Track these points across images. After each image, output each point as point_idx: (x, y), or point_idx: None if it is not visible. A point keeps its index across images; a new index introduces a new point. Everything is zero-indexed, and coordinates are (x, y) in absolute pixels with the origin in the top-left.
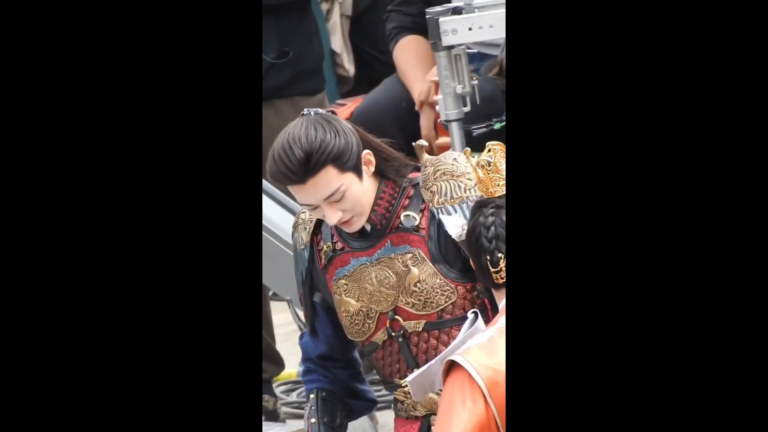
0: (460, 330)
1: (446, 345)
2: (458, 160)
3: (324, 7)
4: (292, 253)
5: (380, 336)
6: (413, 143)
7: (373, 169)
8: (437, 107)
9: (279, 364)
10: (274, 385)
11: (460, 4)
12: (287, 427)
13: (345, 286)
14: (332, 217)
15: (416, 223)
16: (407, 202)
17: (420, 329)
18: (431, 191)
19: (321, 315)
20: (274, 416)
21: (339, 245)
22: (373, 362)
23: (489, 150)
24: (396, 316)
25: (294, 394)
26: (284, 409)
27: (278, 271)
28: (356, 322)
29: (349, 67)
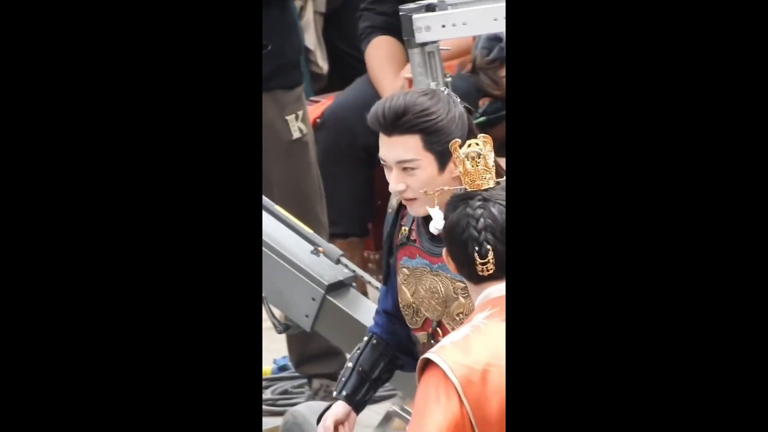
0: None
1: None
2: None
3: (298, 3)
4: (266, 251)
5: (422, 336)
6: (449, 145)
7: (456, 155)
8: None
9: None
10: None
11: (434, 1)
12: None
13: (406, 277)
14: (395, 183)
15: None
16: None
17: None
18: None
19: (393, 277)
20: None
21: (413, 236)
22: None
23: (477, 142)
24: (438, 328)
25: (268, 391)
26: None
27: None
28: (406, 313)
29: (322, 64)
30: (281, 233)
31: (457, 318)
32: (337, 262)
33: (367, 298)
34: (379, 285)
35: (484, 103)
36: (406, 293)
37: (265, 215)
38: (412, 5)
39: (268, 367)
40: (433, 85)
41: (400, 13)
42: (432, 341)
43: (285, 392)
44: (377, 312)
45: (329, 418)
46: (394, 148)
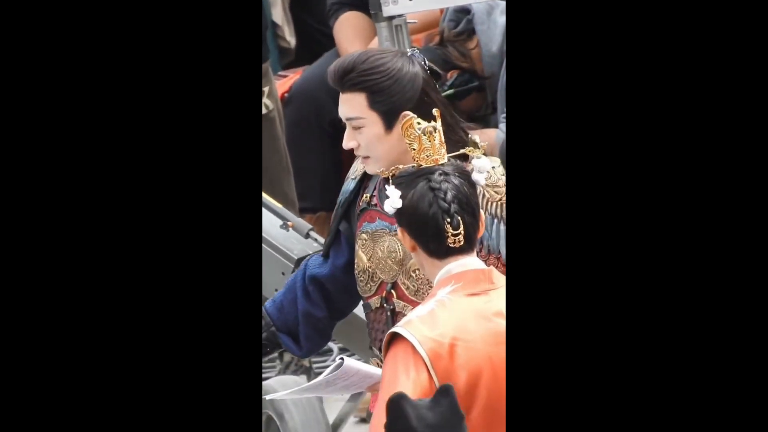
0: None
1: None
2: (495, 169)
3: None
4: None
5: (375, 301)
6: (468, 135)
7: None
8: None
9: None
10: None
11: None
12: None
13: (364, 242)
14: (346, 141)
15: None
16: None
17: (406, 312)
18: None
19: (343, 244)
20: None
21: (374, 201)
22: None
23: (433, 118)
24: (392, 290)
25: None
26: None
27: None
28: (361, 279)
29: (290, 39)
30: None
31: (413, 274)
32: (307, 236)
33: None
34: None
35: (452, 75)
36: (362, 258)
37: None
38: None
39: None
40: None
41: None
42: (385, 304)
43: None
44: (288, 282)
45: None
46: (343, 106)
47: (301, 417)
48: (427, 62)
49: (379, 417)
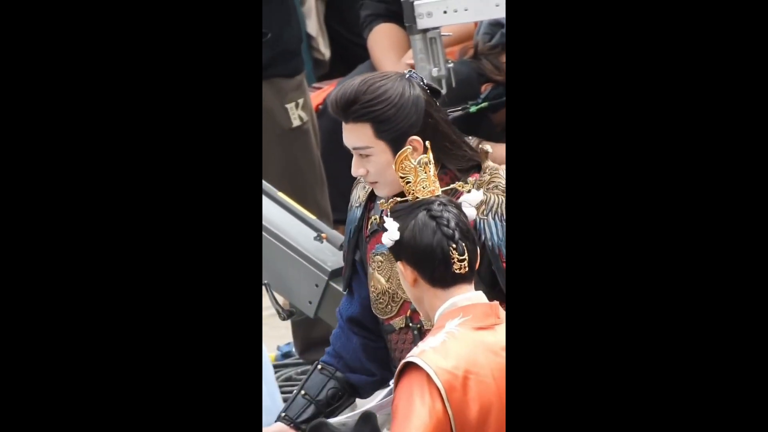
0: None
1: None
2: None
3: None
4: (269, 237)
5: (398, 322)
6: (479, 146)
7: (419, 155)
8: None
9: None
10: None
11: None
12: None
13: (380, 263)
14: (355, 168)
15: None
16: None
17: None
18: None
19: (360, 274)
20: None
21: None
22: (386, 342)
23: (426, 150)
24: (417, 311)
25: None
26: None
27: None
28: (381, 300)
29: (324, 50)
30: (284, 219)
31: None
32: (341, 248)
33: None
34: None
35: (486, 88)
36: (380, 280)
37: (268, 202)
38: None
39: (271, 354)
40: (435, 71)
41: (402, 0)
42: (410, 323)
43: (289, 379)
44: (335, 332)
45: None
46: (349, 136)
47: None
48: (424, 81)
49: None
